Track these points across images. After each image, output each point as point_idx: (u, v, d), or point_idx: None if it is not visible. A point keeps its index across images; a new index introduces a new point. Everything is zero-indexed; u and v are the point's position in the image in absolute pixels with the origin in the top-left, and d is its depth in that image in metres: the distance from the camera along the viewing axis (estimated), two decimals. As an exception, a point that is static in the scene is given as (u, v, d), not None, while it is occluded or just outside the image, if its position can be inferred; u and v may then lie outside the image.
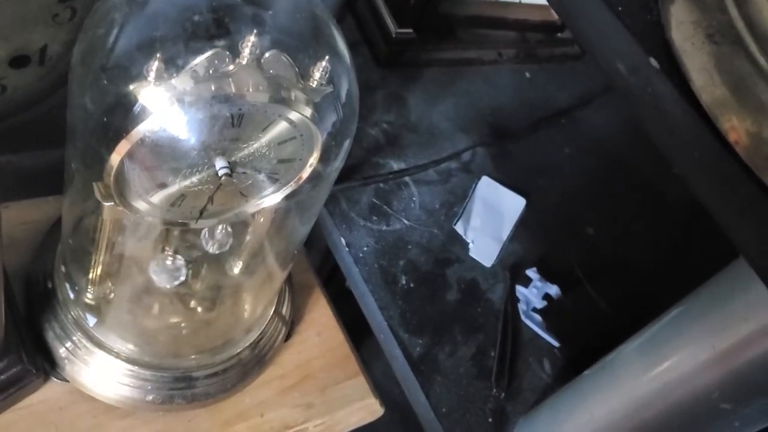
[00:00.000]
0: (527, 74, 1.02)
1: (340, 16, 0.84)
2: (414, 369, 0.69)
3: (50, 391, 0.60)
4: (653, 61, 0.37)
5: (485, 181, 0.87)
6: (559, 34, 1.04)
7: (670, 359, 0.54)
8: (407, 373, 0.69)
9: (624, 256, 0.88)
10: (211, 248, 0.58)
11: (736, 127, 0.35)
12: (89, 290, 0.58)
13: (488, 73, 0.99)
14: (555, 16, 1.00)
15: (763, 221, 0.35)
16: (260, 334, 0.66)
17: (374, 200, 0.80)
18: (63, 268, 0.60)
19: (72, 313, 0.60)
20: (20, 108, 0.59)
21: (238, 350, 0.64)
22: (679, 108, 0.37)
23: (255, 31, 0.39)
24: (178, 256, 0.57)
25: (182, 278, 0.57)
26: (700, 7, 0.38)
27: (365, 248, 0.76)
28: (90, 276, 0.56)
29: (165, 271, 0.56)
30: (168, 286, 0.58)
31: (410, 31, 0.88)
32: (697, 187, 0.38)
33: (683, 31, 0.38)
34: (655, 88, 0.37)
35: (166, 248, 0.58)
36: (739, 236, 0.36)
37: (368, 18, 0.89)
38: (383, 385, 0.76)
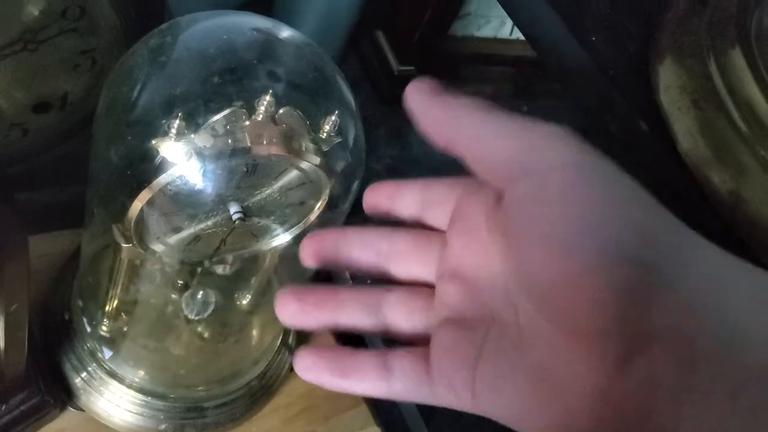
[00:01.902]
0: (524, 108, 1.05)
1: (344, 55, 0.86)
2: (416, 400, 0.71)
3: (67, 420, 0.62)
4: (643, 124, 0.40)
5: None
6: (552, 75, 1.07)
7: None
8: (410, 404, 0.72)
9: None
10: (222, 271, 0.61)
11: (718, 187, 0.38)
12: (105, 323, 0.60)
13: (487, 108, 1.01)
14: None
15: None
16: (268, 364, 0.68)
17: (377, 233, 0.82)
18: (80, 302, 0.63)
19: (88, 345, 0.62)
20: (40, 149, 0.61)
21: (247, 381, 0.67)
22: (666, 167, 0.39)
23: (270, 91, 0.42)
24: (210, 291, 0.60)
25: (210, 311, 0.60)
26: (687, 73, 0.41)
27: (369, 282, 0.78)
28: (106, 310, 0.59)
29: (196, 303, 0.59)
30: (197, 318, 0.61)
31: (412, 68, 0.91)
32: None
33: (671, 95, 0.41)
34: (644, 148, 0.40)
35: (179, 282, 0.61)
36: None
37: (371, 56, 0.92)
38: (384, 412, 0.78)
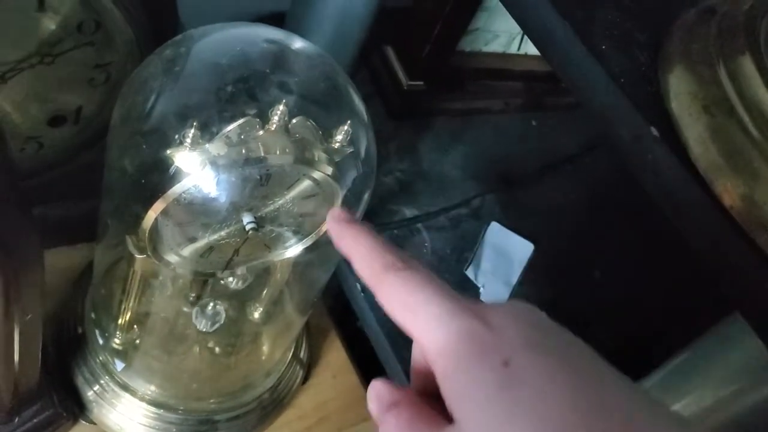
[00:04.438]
0: (534, 122, 1.05)
1: (354, 70, 0.87)
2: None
3: (79, 433, 0.62)
4: (654, 130, 0.40)
5: (494, 226, 0.89)
6: (563, 84, 1.07)
7: (674, 406, 0.56)
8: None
9: (630, 298, 0.90)
10: (235, 285, 0.61)
11: (730, 192, 0.38)
12: (117, 336, 0.60)
13: (496, 122, 1.02)
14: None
15: (754, 279, 0.37)
16: (279, 377, 0.68)
17: (388, 246, 0.82)
18: (92, 314, 0.63)
19: (100, 358, 0.62)
20: (55, 163, 0.62)
21: (259, 393, 0.66)
22: (677, 173, 0.40)
23: (284, 101, 0.42)
24: (219, 303, 0.60)
25: (221, 322, 0.60)
26: (697, 79, 0.41)
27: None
28: (119, 322, 0.59)
29: (206, 316, 0.59)
30: (207, 330, 0.61)
31: (421, 83, 0.92)
32: (695, 244, 0.40)
33: (681, 102, 0.41)
34: (655, 155, 0.40)
35: (192, 295, 0.61)
36: (733, 291, 0.39)
37: (381, 71, 0.93)
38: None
